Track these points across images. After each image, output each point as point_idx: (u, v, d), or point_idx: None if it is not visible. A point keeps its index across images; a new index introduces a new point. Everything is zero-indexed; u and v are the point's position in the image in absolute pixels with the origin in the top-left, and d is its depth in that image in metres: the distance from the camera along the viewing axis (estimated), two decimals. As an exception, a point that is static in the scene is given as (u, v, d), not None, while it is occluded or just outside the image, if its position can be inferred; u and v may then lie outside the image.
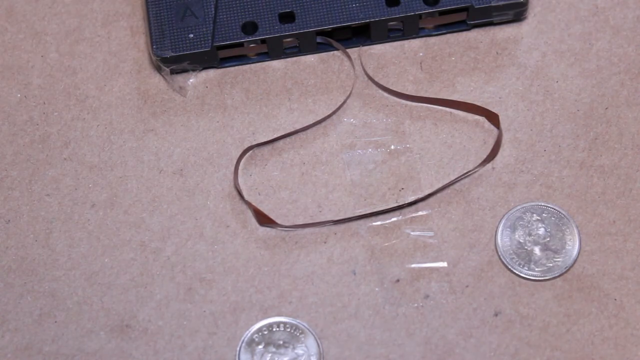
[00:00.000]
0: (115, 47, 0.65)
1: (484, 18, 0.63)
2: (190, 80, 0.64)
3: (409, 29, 0.64)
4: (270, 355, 0.58)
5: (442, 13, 0.63)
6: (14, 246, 0.61)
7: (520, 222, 0.60)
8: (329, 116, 0.62)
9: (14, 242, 0.61)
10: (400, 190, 0.61)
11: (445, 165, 0.61)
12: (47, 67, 0.65)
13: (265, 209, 0.61)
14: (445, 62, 0.64)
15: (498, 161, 0.61)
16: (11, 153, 0.63)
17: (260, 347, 0.58)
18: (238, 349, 0.58)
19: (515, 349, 0.58)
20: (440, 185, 0.61)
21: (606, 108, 0.62)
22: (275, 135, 0.62)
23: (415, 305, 0.59)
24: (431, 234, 0.60)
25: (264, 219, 0.60)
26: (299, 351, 0.58)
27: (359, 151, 0.62)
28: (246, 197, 0.61)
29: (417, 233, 0.60)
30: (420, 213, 0.60)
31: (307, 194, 0.61)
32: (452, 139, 0.62)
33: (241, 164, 0.62)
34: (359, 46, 0.64)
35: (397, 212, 0.60)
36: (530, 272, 0.59)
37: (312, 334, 0.58)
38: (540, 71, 0.63)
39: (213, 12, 0.63)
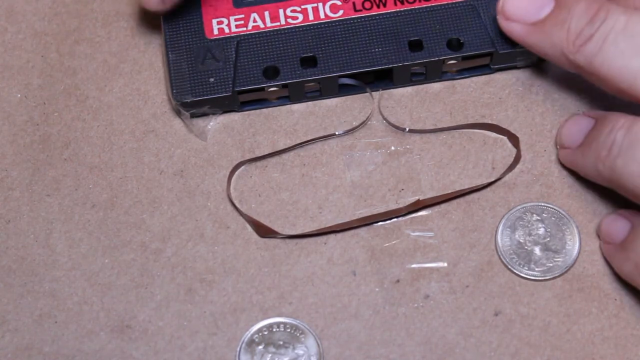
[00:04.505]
0: (116, 48, 0.65)
1: (508, 62, 0.62)
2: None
3: (432, 73, 0.62)
4: (270, 355, 0.58)
5: (465, 58, 0.62)
6: (14, 246, 0.61)
7: (520, 222, 0.60)
8: (339, 135, 0.62)
9: (14, 242, 0.61)
10: (400, 191, 0.61)
11: (445, 166, 0.61)
12: (47, 67, 0.65)
13: (265, 210, 0.61)
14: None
15: (498, 161, 0.61)
16: (11, 153, 0.63)
17: (261, 347, 0.58)
18: (238, 349, 0.58)
19: (515, 348, 0.58)
20: (444, 192, 0.61)
21: (606, 108, 0.62)
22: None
23: (415, 305, 0.59)
24: (431, 234, 0.60)
25: (264, 231, 0.60)
26: (299, 351, 0.58)
27: (359, 152, 0.62)
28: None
29: (417, 233, 0.60)
30: (420, 213, 0.60)
31: (307, 195, 0.61)
32: (452, 139, 0.62)
33: (241, 164, 0.62)
34: (380, 89, 0.63)
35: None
36: (530, 272, 0.59)
37: (312, 334, 0.58)
38: (540, 71, 0.63)
39: (234, 55, 0.61)
